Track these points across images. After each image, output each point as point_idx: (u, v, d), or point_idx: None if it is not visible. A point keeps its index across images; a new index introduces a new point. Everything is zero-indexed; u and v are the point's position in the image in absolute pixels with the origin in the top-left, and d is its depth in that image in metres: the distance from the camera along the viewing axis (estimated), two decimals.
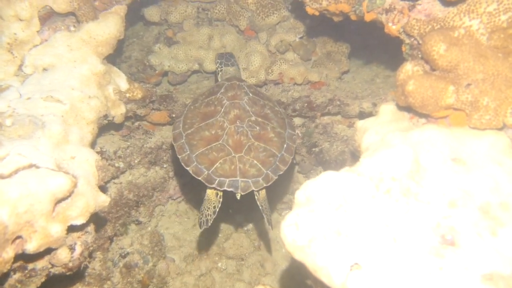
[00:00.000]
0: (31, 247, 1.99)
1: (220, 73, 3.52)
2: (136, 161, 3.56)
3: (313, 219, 1.92)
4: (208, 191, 2.81)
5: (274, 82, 4.04)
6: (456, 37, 2.17)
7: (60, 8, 2.87)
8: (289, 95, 3.83)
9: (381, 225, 1.84)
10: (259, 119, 2.92)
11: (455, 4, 2.20)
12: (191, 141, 2.83)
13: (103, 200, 2.45)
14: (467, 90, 2.16)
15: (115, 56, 3.42)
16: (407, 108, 2.45)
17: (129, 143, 3.56)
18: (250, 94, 3.08)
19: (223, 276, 3.69)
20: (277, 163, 2.78)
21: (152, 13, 4.42)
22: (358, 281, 1.66)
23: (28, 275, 2.21)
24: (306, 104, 3.65)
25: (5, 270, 1.91)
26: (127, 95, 3.29)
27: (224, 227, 4.03)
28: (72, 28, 3.05)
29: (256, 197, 2.80)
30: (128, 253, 3.37)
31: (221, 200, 2.79)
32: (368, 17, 2.64)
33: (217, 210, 2.76)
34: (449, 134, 2.20)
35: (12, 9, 2.72)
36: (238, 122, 2.86)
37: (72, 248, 2.26)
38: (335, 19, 3.05)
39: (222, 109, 2.94)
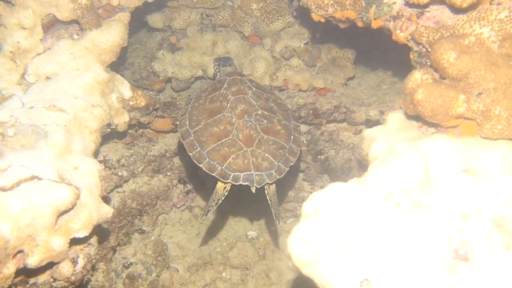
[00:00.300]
0: (32, 261, 1.95)
1: (218, 74, 3.55)
2: (139, 169, 3.52)
3: (321, 233, 1.87)
4: (218, 185, 2.83)
5: (279, 88, 4.00)
6: (466, 45, 2.13)
7: (64, 16, 2.84)
8: (294, 102, 3.78)
9: (392, 239, 1.79)
10: (265, 113, 2.97)
11: (465, 11, 2.16)
12: (200, 138, 2.84)
13: (107, 212, 2.41)
14: (478, 99, 2.11)
15: (118, 63, 3.39)
16: (415, 117, 2.40)
17: (132, 151, 3.53)
18: (253, 88, 3.12)
19: (227, 286, 3.64)
20: (287, 154, 2.83)
21: (155, 19, 4.40)
22: None
23: None
24: (311, 111, 3.61)
25: (6, 286, 1.87)
26: (131, 103, 3.26)
27: (228, 235, 3.98)
28: (75, 36, 3.02)
29: (266, 191, 2.82)
30: (131, 264, 3.33)
31: (226, 194, 2.83)
32: (375, 24, 2.59)
33: (219, 202, 2.80)
34: (460, 144, 2.15)
35: (15, 17, 2.70)
36: (246, 117, 2.89)
37: (74, 261, 2.22)
38: (341, 25, 3.01)
39: (228, 105, 2.96)
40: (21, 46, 2.78)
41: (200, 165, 2.75)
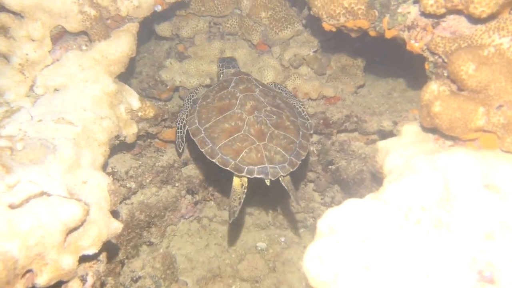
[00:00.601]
0: (41, 281, 1.90)
1: (221, 75, 3.60)
2: (147, 181, 3.48)
3: (338, 252, 1.81)
4: (234, 183, 2.87)
5: None
6: (485, 56, 2.06)
7: (73, 27, 2.82)
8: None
9: (413, 260, 1.72)
10: (274, 109, 3.04)
11: (484, 21, 2.10)
12: (212, 134, 2.90)
13: (116, 227, 2.36)
14: (499, 111, 2.05)
15: (127, 73, 3.36)
16: (432, 129, 2.33)
17: (140, 162, 3.49)
18: (260, 86, 3.20)
19: None
20: (298, 149, 2.89)
21: (163, 28, 4.37)
22: None
23: None
24: (321, 121, 3.55)
25: None
26: (139, 114, 3.22)
27: (237, 247, 3.92)
28: (84, 47, 2.99)
29: (281, 182, 2.85)
30: (139, 277, 3.28)
31: (245, 191, 2.86)
32: (389, 34, 2.54)
33: (242, 201, 2.82)
34: (480, 158, 2.08)
35: (24, 29, 2.67)
36: (256, 112, 2.95)
37: (83, 280, 2.17)
38: (353, 35, 2.96)
39: (238, 102, 3.02)
40: (30, 58, 2.75)
41: (214, 160, 2.79)
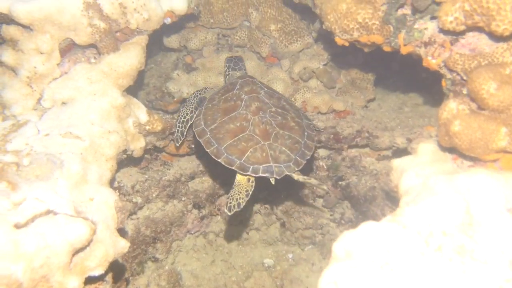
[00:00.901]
0: None
1: (227, 76, 3.63)
2: (154, 195, 3.41)
3: (355, 278, 1.73)
4: (239, 177, 2.89)
5: None
6: (507, 74, 2.00)
7: (82, 40, 2.78)
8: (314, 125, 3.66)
9: None
10: (279, 110, 3.07)
11: (506, 39, 2.04)
12: (217, 135, 2.94)
13: (123, 246, 2.29)
14: None
15: (134, 85, 3.31)
16: (450, 148, 2.26)
17: (147, 176, 3.43)
18: (265, 89, 3.23)
19: None
20: (303, 149, 2.92)
21: (171, 39, 4.34)
22: None
23: None
24: (332, 136, 3.48)
25: None
26: (147, 127, 3.17)
27: (244, 263, 3.83)
28: (92, 60, 2.96)
29: (297, 180, 2.86)
30: None
31: (253, 184, 2.86)
32: (404, 50, 2.49)
33: (250, 193, 2.83)
34: (502, 180, 2.00)
35: (33, 42, 2.64)
36: (261, 113, 2.98)
37: None
38: (366, 49, 2.91)
39: (243, 103, 3.06)
40: (38, 71, 2.71)
41: (219, 160, 2.83)
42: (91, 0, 2.74)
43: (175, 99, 4.24)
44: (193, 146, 3.71)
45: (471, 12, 1.99)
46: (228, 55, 4.16)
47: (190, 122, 3.29)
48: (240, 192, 2.82)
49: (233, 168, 2.79)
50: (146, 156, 3.50)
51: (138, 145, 3.06)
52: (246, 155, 2.80)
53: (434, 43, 2.31)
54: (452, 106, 2.17)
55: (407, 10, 2.45)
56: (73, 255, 1.99)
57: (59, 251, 1.89)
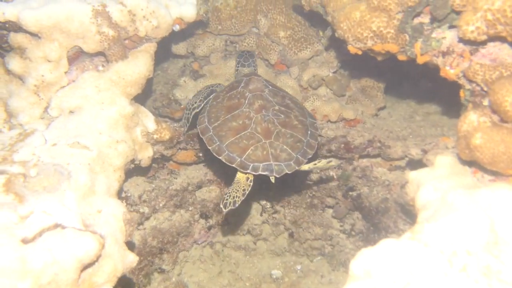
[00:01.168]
0: None
1: (236, 72, 3.65)
2: (161, 205, 3.35)
3: None
4: (239, 175, 2.90)
5: None
6: None
7: (90, 48, 2.73)
8: (323, 134, 3.60)
9: None
10: (282, 108, 3.06)
11: None
12: (219, 133, 2.94)
13: (131, 261, 2.23)
14: None
15: (143, 94, 3.26)
16: (469, 162, 2.19)
17: (153, 185, 3.37)
18: (270, 87, 3.22)
19: None
20: (305, 147, 2.90)
21: (178, 46, 4.29)
22: None
23: None
24: (342, 145, 3.41)
25: None
26: (155, 136, 3.11)
27: (252, 274, 3.76)
28: (100, 68, 2.91)
29: (303, 169, 2.92)
30: None
31: (251, 184, 2.88)
32: (421, 60, 2.43)
33: (247, 193, 2.85)
34: None
35: (41, 50, 2.59)
36: (263, 111, 2.98)
37: None
38: (379, 58, 2.85)
39: (246, 101, 3.05)
40: (46, 79, 2.66)
41: (220, 157, 2.84)
42: (100, 8, 2.70)
43: (182, 106, 4.18)
44: (200, 154, 3.65)
45: (494, 22, 1.93)
46: (235, 61, 4.12)
47: (196, 111, 3.29)
48: (238, 191, 2.83)
49: (233, 165, 2.80)
50: (153, 165, 3.44)
51: (146, 155, 3.00)
52: (247, 153, 2.80)
53: (452, 52, 2.25)
54: (472, 118, 2.10)
55: (423, 19, 2.39)
56: (82, 271, 1.92)
57: (67, 267, 1.83)
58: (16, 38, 2.55)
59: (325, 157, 3.64)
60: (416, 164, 2.91)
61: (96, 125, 2.68)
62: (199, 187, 3.68)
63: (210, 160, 3.73)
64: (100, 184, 2.47)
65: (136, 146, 2.90)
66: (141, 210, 3.13)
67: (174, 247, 3.48)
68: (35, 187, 2.22)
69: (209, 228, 3.76)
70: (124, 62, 2.91)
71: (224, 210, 2.76)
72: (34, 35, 2.55)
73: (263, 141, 2.84)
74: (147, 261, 3.12)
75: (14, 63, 2.61)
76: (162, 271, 3.39)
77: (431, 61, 2.40)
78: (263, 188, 3.76)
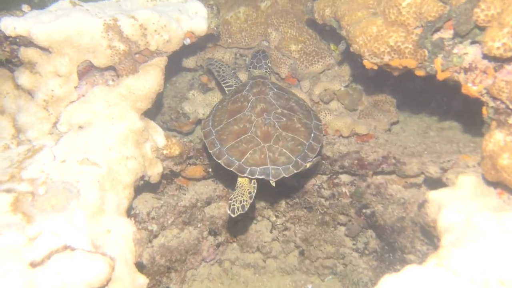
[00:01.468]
0: None
1: (248, 73, 3.66)
2: (169, 222, 3.27)
3: None
4: (241, 179, 2.90)
5: None
6: None
7: (101, 62, 2.69)
8: (335, 149, 3.52)
9: None
10: (285, 111, 3.05)
11: None
12: (221, 136, 2.95)
13: (141, 284, 2.14)
14: None
15: (153, 110, 3.20)
16: (495, 183, 2.10)
17: (162, 202, 3.29)
18: (275, 89, 3.22)
19: None
20: (306, 151, 2.87)
21: (188, 59, 4.26)
22: None
23: None
24: (356, 161, 3.33)
25: None
26: (164, 151, 3.05)
27: None
28: (110, 82, 2.86)
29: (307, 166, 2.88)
30: None
31: (255, 186, 2.88)
32: (441, 76, 2.36)
33: (253, 195, 2.84)
34: None
35: (52, 65, 2.54)
36: (265, 115, 2.99)
37: None
38: (395, 73, 2.78)
39: (249, 104, 3.08)
40: (55, 94, 2.61)
41: (219, 161, 2.84)
42: (111, 22, 2.66)
43: (191, 120, 4.12)
44: (210, 170, 3.58)
45: None
46: (245, 75, 4.07)
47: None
48: (243, 194, 2.81)
49: (231, 169, 2.80)
50: (162, 181, 3.36)
51: (155, 171, 2.93)
52: (245, 156, 2.80)
53: (475, 69, 2.18)
54: (498, 138, 2.02)
55: (443, 34, 2.33)
56: None
57: None
58: (27, 53, 2.51)
59: (337, 173, 3.56)
60: (434, 182, 2.82)
61: (106, 141, 2.62)
62: (208, 203, 3.59)
63: (219, 175, 3.65)
64: (109, 202, 2.40)
65: (145, 162, 2.83)
66: (149, 228, 3.05)
67: (182, 266, 3.38)
68: (43, 206, 2.15)
69: (218, 245, 3.66)
70: (135, 77, 2.86)
71: (232, 215, 2.73)
72: (44, 49, 2.51)
73: (262, 144, 2.84)
74: (155, 280, 3.03)
75: (24, 78, 2.56)
76: None
77: (451, 77, 2.33)
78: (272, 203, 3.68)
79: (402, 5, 2.41)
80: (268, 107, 3.03)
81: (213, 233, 3.62)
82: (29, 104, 2.61)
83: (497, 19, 1.95)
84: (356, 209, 3.45)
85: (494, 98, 2.15)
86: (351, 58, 3.68)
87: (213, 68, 3.77)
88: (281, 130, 2.91)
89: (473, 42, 2.19)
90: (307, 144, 2.89)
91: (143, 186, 3.19)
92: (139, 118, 2.83)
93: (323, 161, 3.49)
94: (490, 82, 2.14)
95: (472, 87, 2.23)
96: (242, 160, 2.79)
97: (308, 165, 2.87)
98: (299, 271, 3.82)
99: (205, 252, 3.58)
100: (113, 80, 2.88)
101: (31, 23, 2.41)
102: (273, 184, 2.81)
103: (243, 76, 4.03)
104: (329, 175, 3.59)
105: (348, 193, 3.45)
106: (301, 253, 3.82)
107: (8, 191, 2.15)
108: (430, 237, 2.61)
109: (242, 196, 2.79)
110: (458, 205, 2.15)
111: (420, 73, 2.57)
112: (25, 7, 2.62)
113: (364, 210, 3.38)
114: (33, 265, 1.77)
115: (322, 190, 3.60)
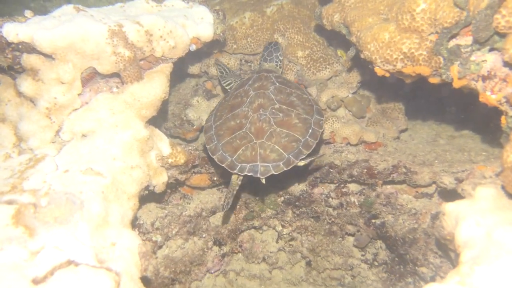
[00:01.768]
0: None
1: (258, 66, 3.64)
2: (173, 232, 3.18)
3: None
4: (233, 176, 2.90)
5: (325, 141, 3.67)
6: None
7: (105, 69, 2.61)
8: (343, 157, 3.44)
9: None
10: (284, 107, 3.01)
11: None
12: (219, 132, 2.97)
13: None
14: None
15: (158, 117, 3.13)
16: None
17: (166, 211, 3.20)
18: (277, 84, 3.18)
19: None
20: (300, 147, 2.83)
21: (192, 65, 4.19)
22: None
23: None
24: (365, 170, 3.25)
25: None
26: (170, 160, 2.96)
27: None
28: (115, 89, 2.78)
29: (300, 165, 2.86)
30: None
31: (239, 183, 2.88)
32: (458, 84, 2.29)
33: (234, 193, 2.86)
34: None
35: (55, 71, 2.47)
36: (261, 110, 2.97)
37: None
38: (408, 81, 2.71)
39: (248, 100, 3.07)
40: (58, 102, 2.53)
41: (213, 157, 2.86)
42: (116, 28, 2.59)
43: (195, 127, 4.05)
44: (215, 178, 3.50)
45: None
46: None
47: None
48: (229, 192, 2.84)
49: (223, 165, 2.81)
50: (166, 190, 3.28)
51: (160, 180, 2.85)
52: (238, 153, 2.81)
53: (494, 77, 2.11)
54: None
55: (460, 41, 2.26)
56: None
57: None
58: (29, 60, 2.44)
59: (346, 182, 3.48)
60: (448, 193, 2.74)
61: (110, 150, 2.54)
62: (213, 212, 3.51)
63: (226, 183, 3.57)
64: (114, 214, 2.32)
65: (150, 172, 2.75)
66: (153, 239, 2.96)
67: (186, 277, 3.29)
68: (46, 218, 2.06)
69: (223, 256, 3.57)
70: (140, 84, 2.79)
71: (221, 210, 2.76)
72: (47, 56, 2.44)
73: (254, 141, 2.83)
74: None
75: (26, 85, 2.49)
76: None
77: (468, 85, 2.26)
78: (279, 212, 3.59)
79: (416, 11, 2.34)
80: (265, 103, 3.00)
81: (218, 243, 3.54)
82: (31, 112, 2.53)
83: None
84: (365, 219, 3.37)
85: None
86: (359, 65, 3.61)
87: (218, 68, 3.80)
88: (276, 127, 2.88)
89: (491, 49, 2.13)
90: (302, 140, 2.85)
91: (147, 196, 3.10)
92: (144, 126, 2.75)
93: (331, 170, 3.41)
94: (510, 91, 2.07)
95: (490, 96, 2.15)
96: (234, 157, 2.80)
97: (301, 163, 2.83)
98: (306, 282, 3.72)
99: (210, 263, 3.48)
100: (117, 87, 2.81)
101: (34, 29, 2.34)
102: (263, 181, 2.77)
103: None
104: (337, 184, 3.51)
105: (357, 203, 3.37)
106: (308, 263, 3.72)
107: (10, 202, 2.06)
108: (445, 250, 2.53)
109: (228, 194, 2.83)
110: (477, 218, 2.06)
111: (434, 80, 2.50)
112: (27, 13, 2.55)
113: (373, 220, 3.29)
114: (36, 282, 1.69)
115: (330, 199, 3.52)
